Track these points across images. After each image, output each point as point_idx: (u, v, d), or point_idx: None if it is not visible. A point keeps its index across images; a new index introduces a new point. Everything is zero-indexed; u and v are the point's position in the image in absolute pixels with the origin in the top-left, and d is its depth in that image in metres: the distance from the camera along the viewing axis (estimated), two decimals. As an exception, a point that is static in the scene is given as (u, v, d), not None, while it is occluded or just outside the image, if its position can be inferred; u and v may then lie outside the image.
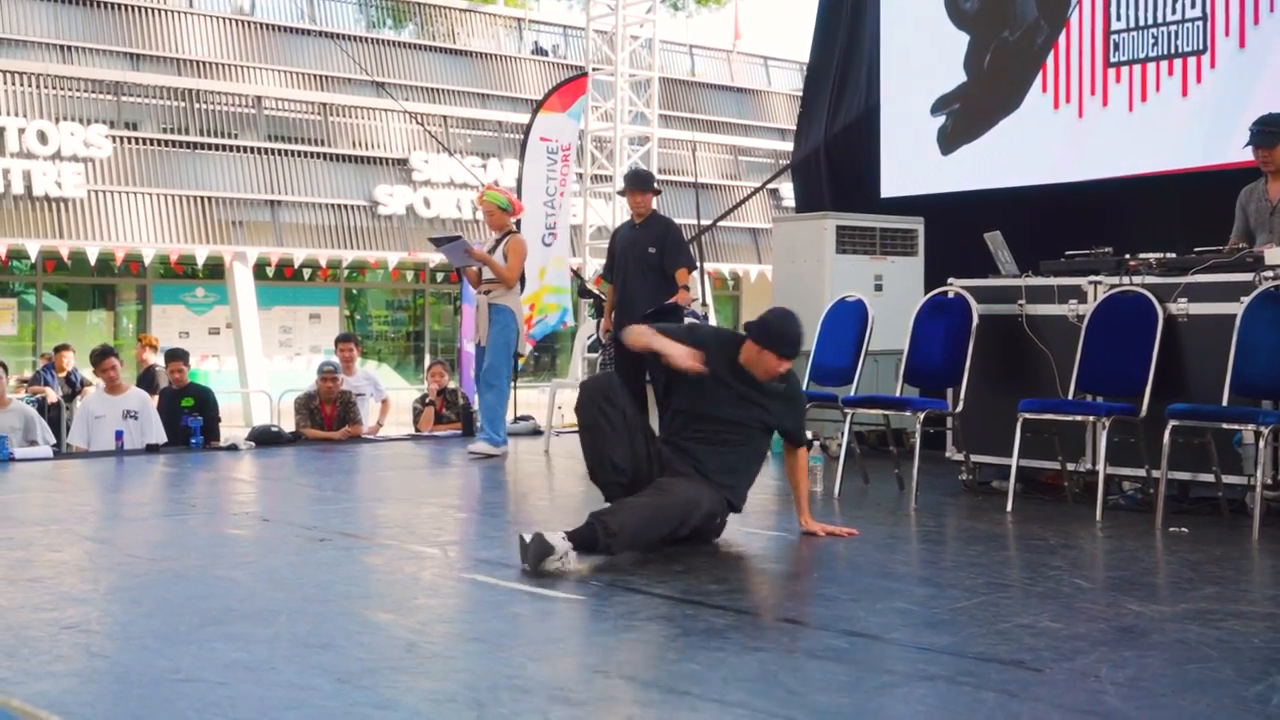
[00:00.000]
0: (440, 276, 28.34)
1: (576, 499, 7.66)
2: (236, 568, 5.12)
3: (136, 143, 24.56)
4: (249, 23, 27.65)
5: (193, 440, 9.78)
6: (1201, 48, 8.90)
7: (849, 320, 7.73)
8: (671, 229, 9.31)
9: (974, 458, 7.27)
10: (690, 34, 36.19)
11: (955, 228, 9.49)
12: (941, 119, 10.50)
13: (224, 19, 27.37)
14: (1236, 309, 6.21)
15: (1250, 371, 6.09)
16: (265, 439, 10.23)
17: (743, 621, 4.16)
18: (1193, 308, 6.50)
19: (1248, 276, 6.31)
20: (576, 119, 13.95)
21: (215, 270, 25.53)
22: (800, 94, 13.45)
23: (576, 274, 13.53)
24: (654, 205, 9.33)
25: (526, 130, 13.85)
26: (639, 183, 9.39)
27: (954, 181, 10.36)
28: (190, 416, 10.00)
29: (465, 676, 3.48)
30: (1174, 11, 9.03)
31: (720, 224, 21.67)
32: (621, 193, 9.82)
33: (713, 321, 13.73)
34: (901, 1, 10.90)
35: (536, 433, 10.33)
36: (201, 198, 24.75)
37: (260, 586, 4.75)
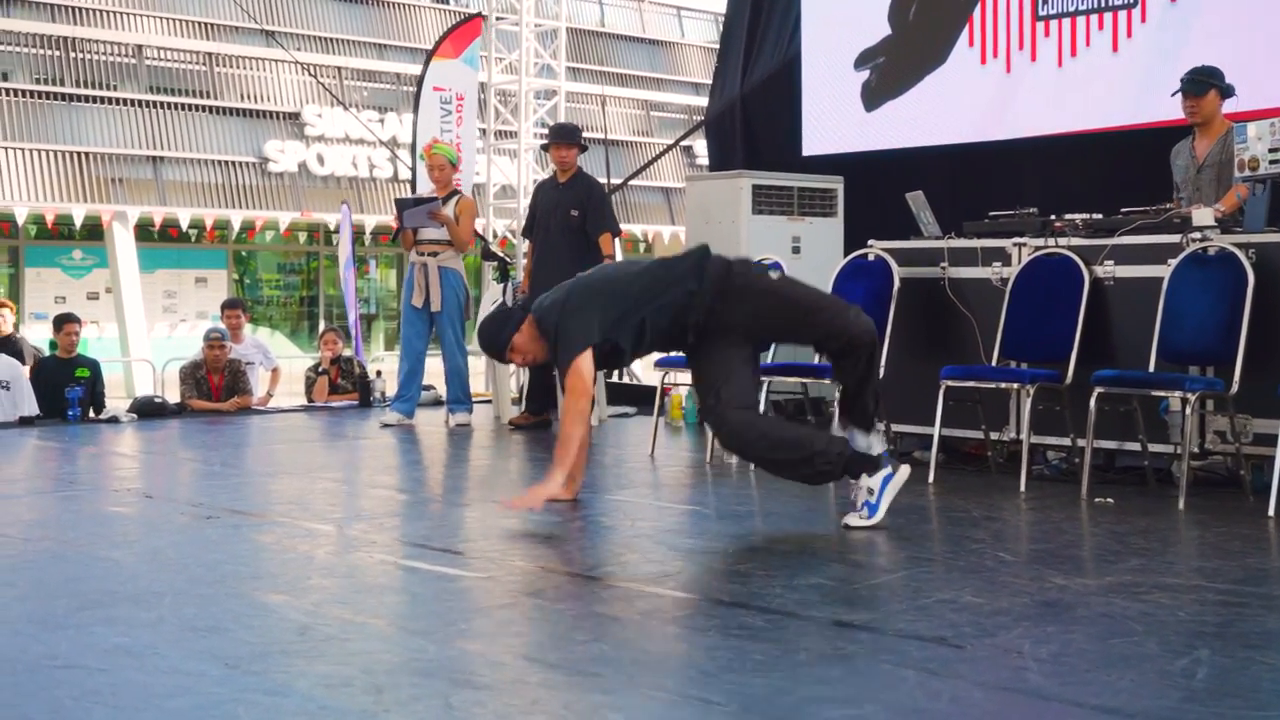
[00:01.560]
0: (336, 239, 28.09)
1: (480, 471, 7.66)
2: (118, 547, 5.06)
3: (8, 94, 24.10)
4: (128, -34, 27.18)
5: (70, 413, 9.63)
6: (1132, 1, 9.00)
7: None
8: (595, 190, 9.32)
9: (895, 427, 7.33)
10: (600, -18, 36.04)
11: (876, 188, 9.55)
12: (865, 74, 10.55)
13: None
14: (1163, 272, 6.31)
15: (1177, 337, 6.19)
16: (148, 410, 10.10)
17: (654, 599, 4.18)
18: (1119, 270, 6.59)
19: (1175, 238, 6.41)
20: (473, 65, 13.82)
21: (94, 231, 25.11)
22: (713, 45, 13.45)
23: (479, 235, 13.46)
24: (579, 163, 9.32)
25: (419, 80, 13.71)
26: (564, 135, 9.38)
27: (877, 139, 10.42)
28: (81, 388, 9.84)
29: (362, 660, 3.46)
30: (1104, -37, 9.12)
31: (632, 183, 21.66)
32: (544, 148, 9.81)
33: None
34: (821, -51, 10.92)
35: (438, 403, 10.28)
36: (79, 153, 24.34)
37: (143, 567, 4.70)
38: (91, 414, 9.95)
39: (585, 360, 5.38)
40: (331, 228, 27.24)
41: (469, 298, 9.54)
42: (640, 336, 5.46)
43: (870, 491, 5.22)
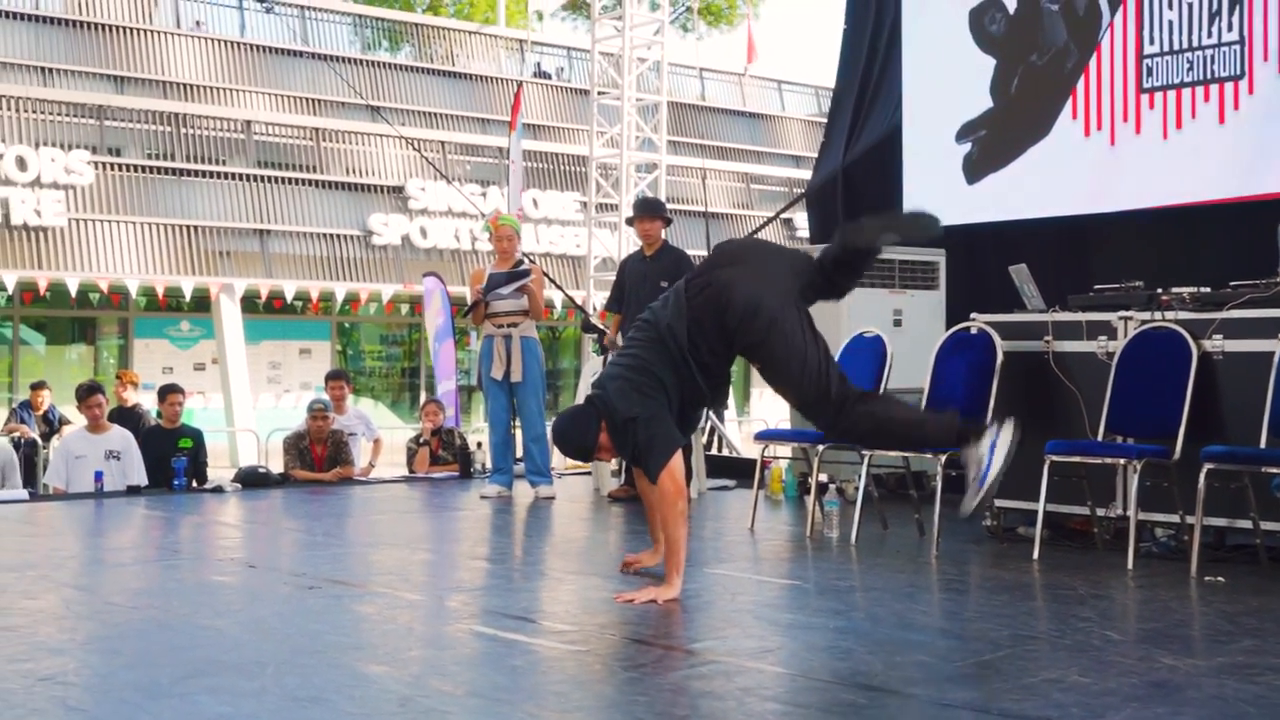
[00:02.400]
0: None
1: (579, 543, 7.67)
2: (221, 616, 5.12)
3: (120, 169, 24.68)
4: (238, 44, 27.84)
5: (176, 482, 9.78)
6: (1239, 73, 8.92)
7: (867, 357, 7.75)
8: (684, 261, 9.34)
9: (999, 502, 7.27)
10: (700, 56, 36.41)
11: (979, 260, 9.52)
12: (967, 146, 10.53)
13: (212, 40, 27.54)
14: (1275, 346, 6.22)
15: (1290, 412, 6.09)
16: (252, 480, 10.23)
17: (754, 675, 4.16)
18: (1228, 345, 6.51)
19: (1287, 312, 6.33)
20: (520, 134, 14.10)
21: (201, 303, 25.57)
22: (814, 119, 13.51)
23: (580, 308, 13.56)
24: (664, 235, 9.37)
25: (507, 153, 14.04)
26: (648, 209, 9.43)
27: (978, 212, 10.38)
28: (185, 458, 10.00)
29: (462, 732, 3.48)
30: (1210, 35, 9.06)
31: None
32: (629, 221, 9.88)
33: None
34: (925, 23, 10.95)
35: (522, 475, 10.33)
36: (188, 227, 24.84)
37: (246, 636, 4.75)
38: (195, 483, 10.11)
39: (675, 462, 5.39)
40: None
41: (544, 367, 9.62)
42: (704, 379, 5.51)
43: (979, 462, 5.28)
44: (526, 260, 9.66)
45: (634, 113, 14.75)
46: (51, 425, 15.44)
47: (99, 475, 9.68)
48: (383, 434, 13.29)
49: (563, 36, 35.85)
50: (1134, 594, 5.73)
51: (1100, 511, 6.86)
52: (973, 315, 7.54)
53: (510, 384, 9.33)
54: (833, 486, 7.75)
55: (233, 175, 25.80)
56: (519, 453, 9.85)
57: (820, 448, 7.42)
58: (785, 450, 9.03)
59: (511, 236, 9.49)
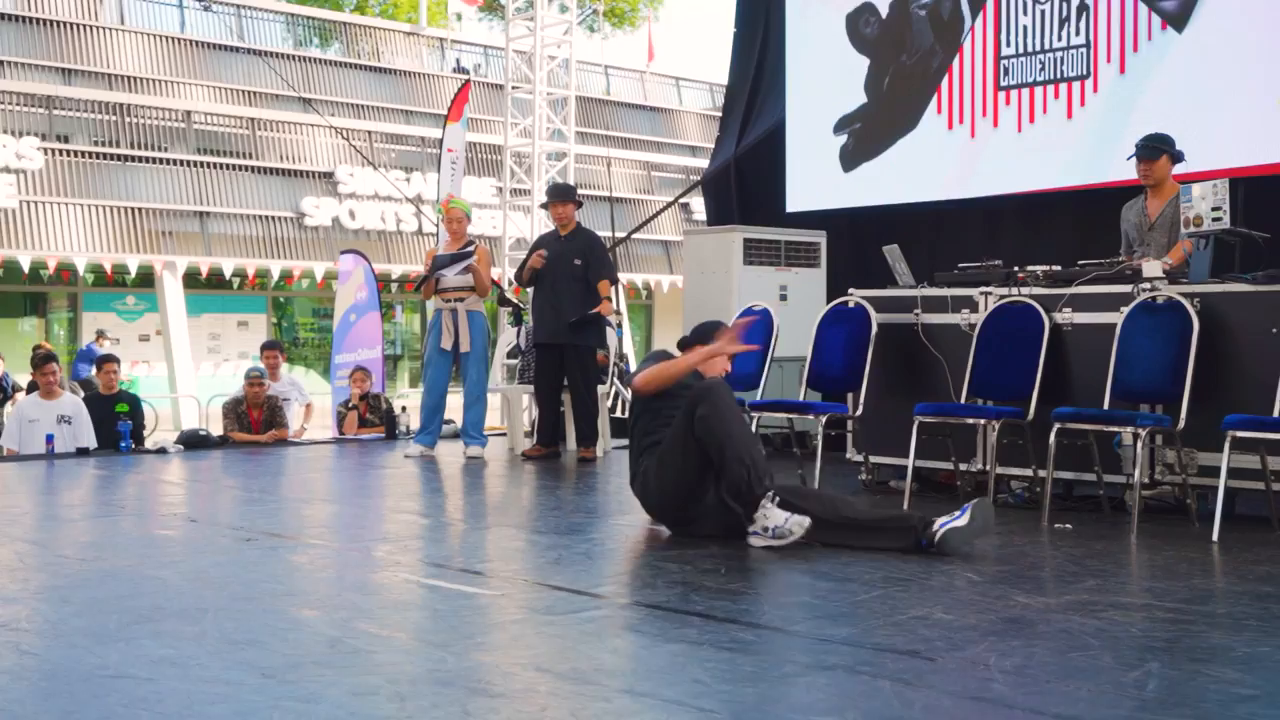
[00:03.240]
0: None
1: (496, 498, 7.65)
2: (165, 567, 5.05)
3: (68, 155, 24.18)
4: (179, 40, 27.32)
5: (122, 444, 9.62)
6: (1085, 73, 9.05)
7: (756, 328, 7.76)
8: (596, 242, 9.37)
9: (873, 458, 7.34)
10: (606, 55, 36.24)
11: (856, 241, 9.60)
12: (843, 138, 10.59)
13: (155, 35, 27.01)
14: (1117, 318, 6.33)
15: (1129, 377, 6.20)
16: (193, 442, 10.10)
17: (653, 615, 4.17)
18: (1077, 317, 6.60)
19: (1127, 288, 6.43)
20: (464, 126, 13.97)
21: (146, 279, 25.18)
22: (709, 112, 13.51)
23: (495, 283, 13.51)
24: (575, 217, 9.37)
25: (441, 142, 13.86)
26: (561, 195, 9.43)
27: (855, 197, 10.46)
28: (123, 421, 9.84)
29: (387, 670, 3.45)
30: (1060, 38, 9.17)
31: (634, 236, 21.72)
32: (544, 205, 9.84)
33: (626, 329, 13.77)
34: (806, 26, 10.98)
35: (456, 436, 10.27)
36: (132, 208, 24.41)
37: (187, 585, 4.69)
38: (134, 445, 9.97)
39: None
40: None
41: (490, 339, 9.58)
42: None
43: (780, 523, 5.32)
44: (476, 242, 9.57)
45: (545, 106, 14.66)
46: (5, 392, 15.12)
47: (50, 438, 9.50)
48: (314, 399, 13.16)
49: (480, 35, 35.56)
50: (992, 540, 5.80)
51: (963, 466, 6.95)
52: (850, 290, 7.60)
53: (457, 353, 9.27)
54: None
55: (174, 161, 25.39)
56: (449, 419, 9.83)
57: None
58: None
59: (462, 219, 9.41)
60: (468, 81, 14.50)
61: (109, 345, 19.48)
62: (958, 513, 5.26)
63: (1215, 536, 5.51)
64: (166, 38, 27.12)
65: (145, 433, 10.80)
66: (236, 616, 4.09)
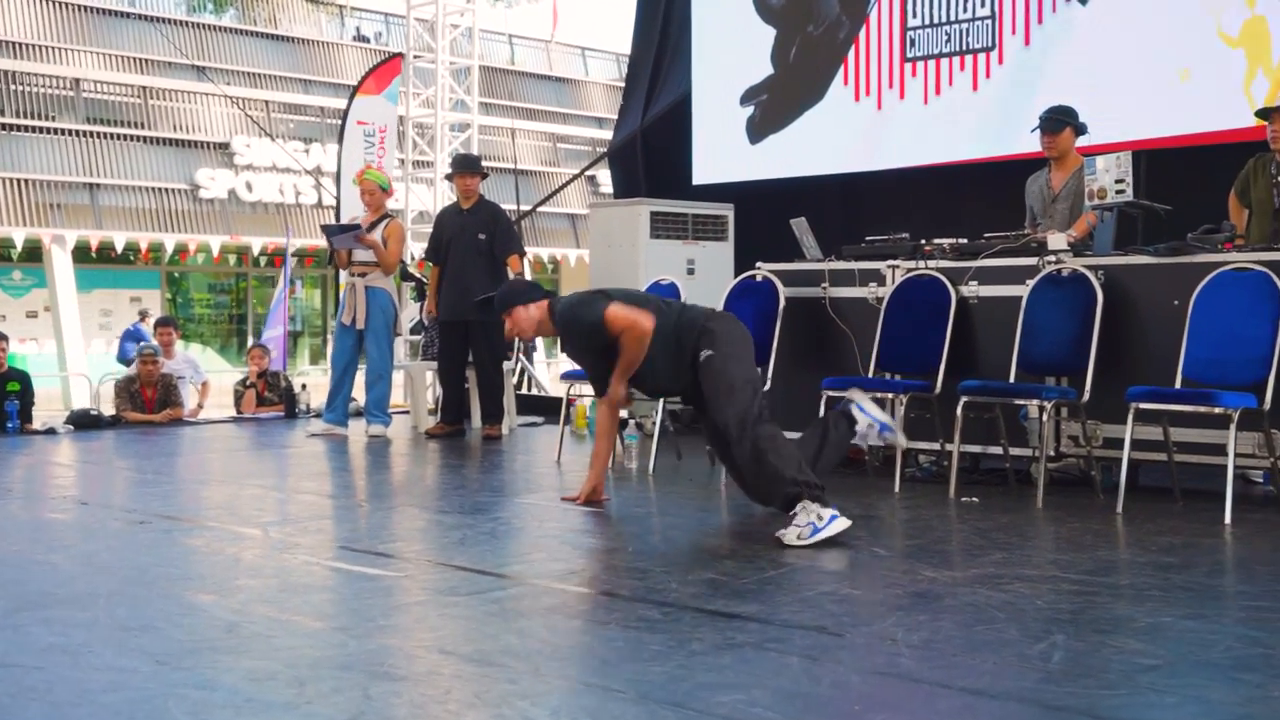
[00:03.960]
0: (264, 260, 27.80)
1: (399, 477, 7.60)
2: (54, 552, 4.96)
3: (-50, 125, 23.60)
4: (67, 4, 26.71)
5: (9, 424, 9.42)
6: (990, 45, 9.14)
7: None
8: (501, 216, 9.29)
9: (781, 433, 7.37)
10: (510, 24, 35.97)
11: (763, 214, 9.61)
12: (750, 109, 10.62)
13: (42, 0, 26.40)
14: (1022, 291, 6.41)
15: (1035, 350, 6.29)
16: (84, 422, 9.92)
17: (559, 595, 4.17)
18: (983, 290, 6.68)
19: (1032, 261, 6.52)
20: (393, 101, 13.79)
21: (33, 253, 24.66)
22: (616, 83, 13.48)
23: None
24: (480, 189, 9.29)
25: (344, 114, 13.65)
26: (467, 166, 9.36)
27: (762, 170, 10.50)
28: (11, 401, 9.62)
29: (286, 655, 3.42)
30: (965, 10, 9.26)
31: (539, 209, 21.62)
32: (448, 177, 9.75)
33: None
34: (712, -5, 10.99)
35: (359, 414, 10.18)
36: (18, 180, 23.88)
37: (78, 570, 4.61)
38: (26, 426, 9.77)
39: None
40: (256, 251, 26.94)
41: (396, 316, 9.46)
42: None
43: (820, 517, 4.98)
44: (392, 216, 9.43)
45: (448, 75, 14.52)
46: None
47: (-69, 419, 9.29)
48: (211, 377, 12.99)
49: (380, 3, 35.08)
50: (900, 514, 5.88)
51: (871, 440, 7.00)
52: (758, 264, 7.62)
53: (357, 330, 9.12)
54: (633, 422, 7.78)
55: (62, 131, 24.87)
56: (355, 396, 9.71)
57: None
58: (589, 389, 9.04)
59: (375, 190, 9.25)
60: (398, 55, 14.26)
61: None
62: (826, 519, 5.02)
63: (1119, 508, 5.62)
64: (55, 2, 26.50)
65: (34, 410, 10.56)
66: (130, 602, 4.03)
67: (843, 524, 4.95)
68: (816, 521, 4.94)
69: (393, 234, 9.13)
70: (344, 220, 9.21)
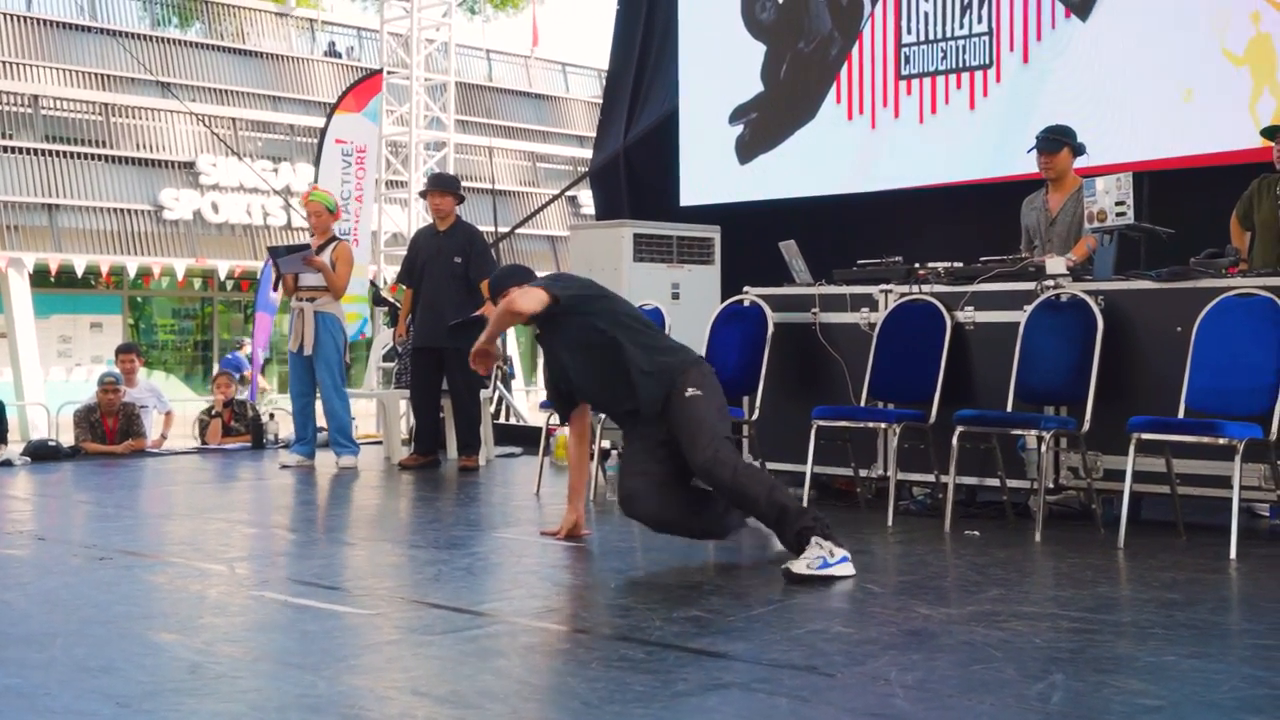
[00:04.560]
0: (231, 285, 27.77)
1: (370, 510, 7.59)
2: (9, 589, 4.94)
3: (-98, 142, 23.55)
4: (25, 18, 26.71)
5: (-38, 456, 9.40)
6: (988, 62, 9.21)
7: (646, 329, 7.78)
8: (477, 238, 9.31)
9: (770, 465, 7.39)
10: (487, 39, 36.11)
11: (752, 236, 9.64)
12: (739, 128, 10.67)
13: (-4, 14, 26.42)
14: (1020, 317, 6.44)
15: (1033, 378, 6.32)
16: (42, 454, 9.89)
17: (539, 633, 4.17)
18: (979, 316, 6.71)
19: (1030, 285, 6.55)
20: (373, 119, 13.82)
21: (-11, 277, 24.59)
22: (597, 100, 13.51)
23: (371, 282, 13.39)
24: (457, 211, 9.30)
25: (322, 133, 13.68)
26: (440, 184, 9.37)
27: (750, 190, 10.54)
28: None
29: (253, 697, 3.41)
30: (961, 26, 9.33)
31: (518, 231, 21.65)
32: (423, 194, 9.77)
33: (510, 331, 13.75)
34: (699, 10, 11.05)
35: (326, 445, 10.17)
36: (-27, 200, 23.84)
37: (35, 609, 4.59)
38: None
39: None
40: (223, 275, 26.90)
41: (346, 342, 9.45)
42: None
43: (832, 554, 5.01)
44: (340, 239, 9.44)
45: (423, 92, 14.56)
46: None
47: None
48: (175, 406, 12.96)
49: (353, 17, 35.22)
50: (893, 549, 5.89)
51: (863, 472, 7.03)
52: (746, 289, 7.65)
53: (307, 357, 9.12)
54: (614, 452, 7.78)
55: (20, 150, 24.83)
56: (322, 423, 9.69)
57: (602, 415, 7.42)
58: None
59: (321, 212, 9.27)
60: (379, 72, 14.26)
61: None
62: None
63: (1121, 543, 5.64)
64: (11, 15, 26.50)
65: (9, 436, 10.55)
66: (89, 642, 4.02)
67: (849, 569, 4.99)
68: (828, 557, 4.98)
69: (341, 256, 9.13)
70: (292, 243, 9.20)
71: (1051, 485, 6.34)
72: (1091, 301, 6.23)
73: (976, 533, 6.10)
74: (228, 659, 3.81)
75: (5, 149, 24.68)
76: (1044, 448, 6.03)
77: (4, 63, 25.89)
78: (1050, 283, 6.47)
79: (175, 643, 4.01)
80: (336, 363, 9.18)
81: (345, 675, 3.66)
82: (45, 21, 26.96)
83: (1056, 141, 7.27)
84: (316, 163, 13.59)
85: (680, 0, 11.15)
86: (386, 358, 11.28)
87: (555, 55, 36.33)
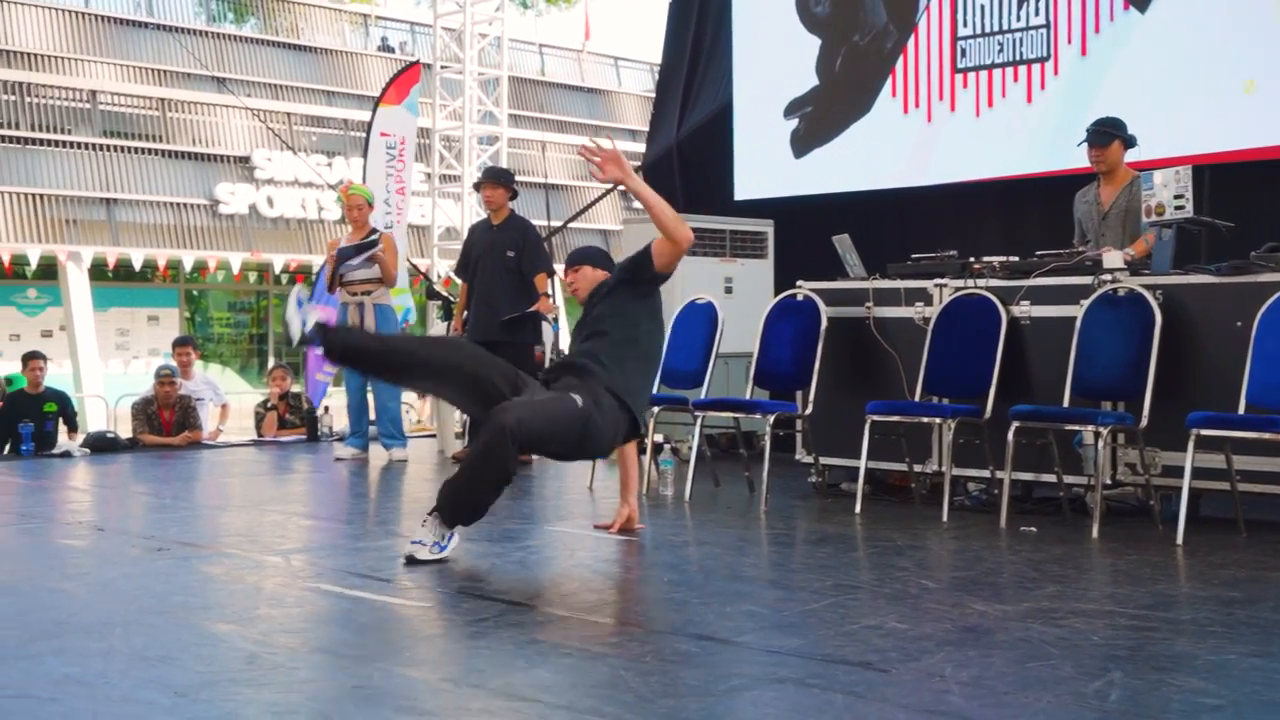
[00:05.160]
0: (285, 278, 27.95)
1: (424, 503, 7.60)
2: (70, 579, 4.99)
3: (-37, 138, 23.84)
4: (83, 14, 26.99)
5: (23, 447, 9.51)
6: (1045, 55, 9.13)
7: (699, 323, 7.79)
8: (531, 232, 9.31)
9: (823, 460, 7.37)
10: (540, 33, 36.17)
11: (805, 230, 9.62)
12: (794, 122, 10.63)
13: (56, 10, 26.66)
14: (1076, 311, 6.38)
15: (1089, 373, 6.26)
16: (101, 445, 10.00)
17: (593, 627, 4.17)
18: (1035, 310, 6.66)
19: (1087, 280, 6.50)
20: (413, 111, 13.88)
21: (49, 270, 24.86)
22: (649, 94, 13.50)
23: (425, 275, 13.44)
24: (510, 205, 9.31)
25: (368, 126, 13.75)
26: (493, 177, 9.38)
27: (805, 184, 10.50)
28: (50, 421, 9.74)
29: (309, 688, 3.43)
30: (1019, 19, 9.25)
31: (571, 225, 21.68)
32: (476, 187, 9.79)
33: (563, 323, 13.79)
34: (753, 4, 11.02)
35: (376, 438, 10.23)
36: (34, 195, 24.10)
37: (94, 599, 4.64)
38: (70, 436, 9.91)
39: None
40: (278, 269, 27.08)
41: (402, 332, 9.53)
42: None
43: (444, 536, 5.20)
44: (381, 230, 9.52)
45: (476, 87, 14.63)
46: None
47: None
48: (230, 399, 13.06)
49: (406, 11, 35.41)
50: (948, 544, 5.86)
51: (917, 467, 6.99)
52: (799, 283, 7.63)
53: None
54: (668, 446, 7.80)
55: (79, 144, 25.09)
56: (373, 416, 9.74)
57: (655, 410, 7.43)
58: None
59: (362, 205, 9.36)
60: (416, 63, 14.31)
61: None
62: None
63: (1180, 540, 5.58)
64: (70, 12, 26.77)
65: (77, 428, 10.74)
66: (147, 631, 4.05)
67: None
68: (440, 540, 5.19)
69: (388, 248, 9.26)
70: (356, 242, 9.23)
71: (1109, 481, 6.28)
72: (1150, 296, 6.17)
73: (1032, 529, 6.06)
74: (284, 650, 3.84)
75: (64, 144, 24.93)
76: (1101, 444, 5.98)
77: (63, 59, 26.16)
78: (1107, 277, 6.41)
79: (232, 633, 4.04)
80: None
81: (400, 667, 3.68)
82: (103, 18, 27.23)
83: (1107, 134, 7.20)
84: (364, 155, 13.67)
85: (734, -5, 11.13)
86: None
87: (607, 49, 36.41)
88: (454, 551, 5.22)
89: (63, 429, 10.86)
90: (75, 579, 5.01)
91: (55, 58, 26.10)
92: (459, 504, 5.21)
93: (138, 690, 3.38)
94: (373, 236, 9.23)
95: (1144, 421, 5.99)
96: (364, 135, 13.98)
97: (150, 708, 3.23)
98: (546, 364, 10.22)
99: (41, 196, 24.21)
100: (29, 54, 25.81)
